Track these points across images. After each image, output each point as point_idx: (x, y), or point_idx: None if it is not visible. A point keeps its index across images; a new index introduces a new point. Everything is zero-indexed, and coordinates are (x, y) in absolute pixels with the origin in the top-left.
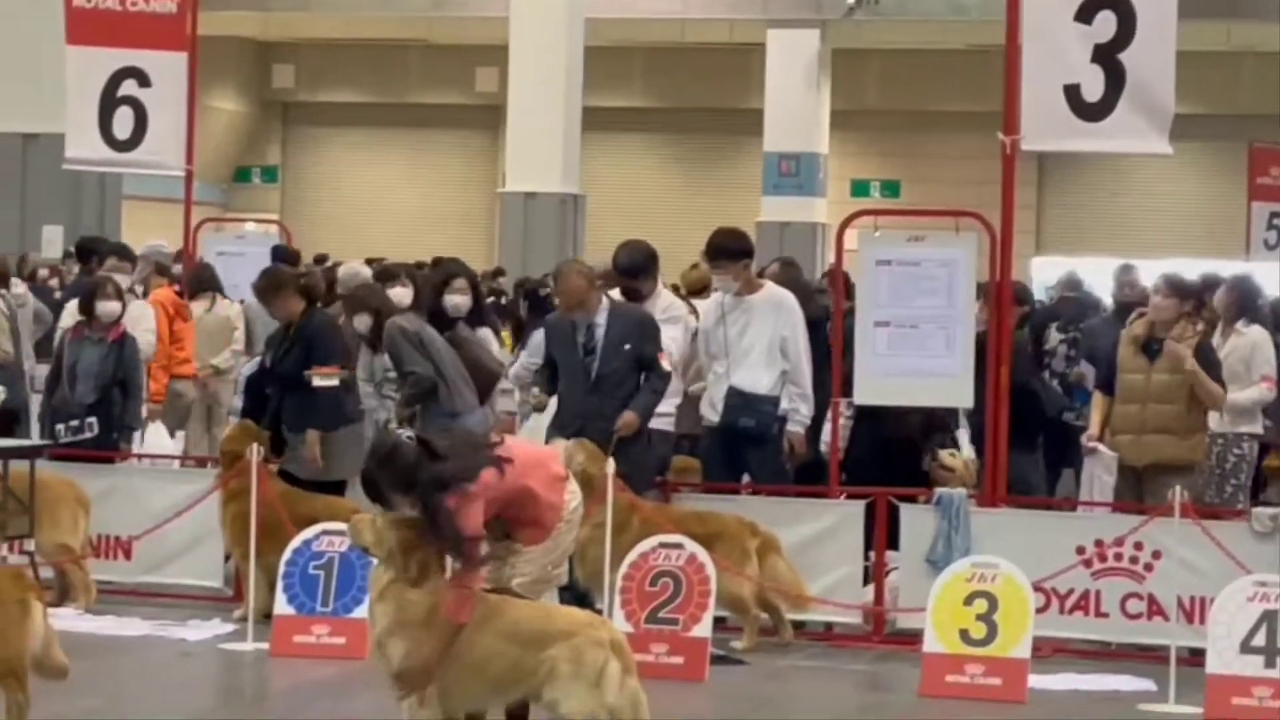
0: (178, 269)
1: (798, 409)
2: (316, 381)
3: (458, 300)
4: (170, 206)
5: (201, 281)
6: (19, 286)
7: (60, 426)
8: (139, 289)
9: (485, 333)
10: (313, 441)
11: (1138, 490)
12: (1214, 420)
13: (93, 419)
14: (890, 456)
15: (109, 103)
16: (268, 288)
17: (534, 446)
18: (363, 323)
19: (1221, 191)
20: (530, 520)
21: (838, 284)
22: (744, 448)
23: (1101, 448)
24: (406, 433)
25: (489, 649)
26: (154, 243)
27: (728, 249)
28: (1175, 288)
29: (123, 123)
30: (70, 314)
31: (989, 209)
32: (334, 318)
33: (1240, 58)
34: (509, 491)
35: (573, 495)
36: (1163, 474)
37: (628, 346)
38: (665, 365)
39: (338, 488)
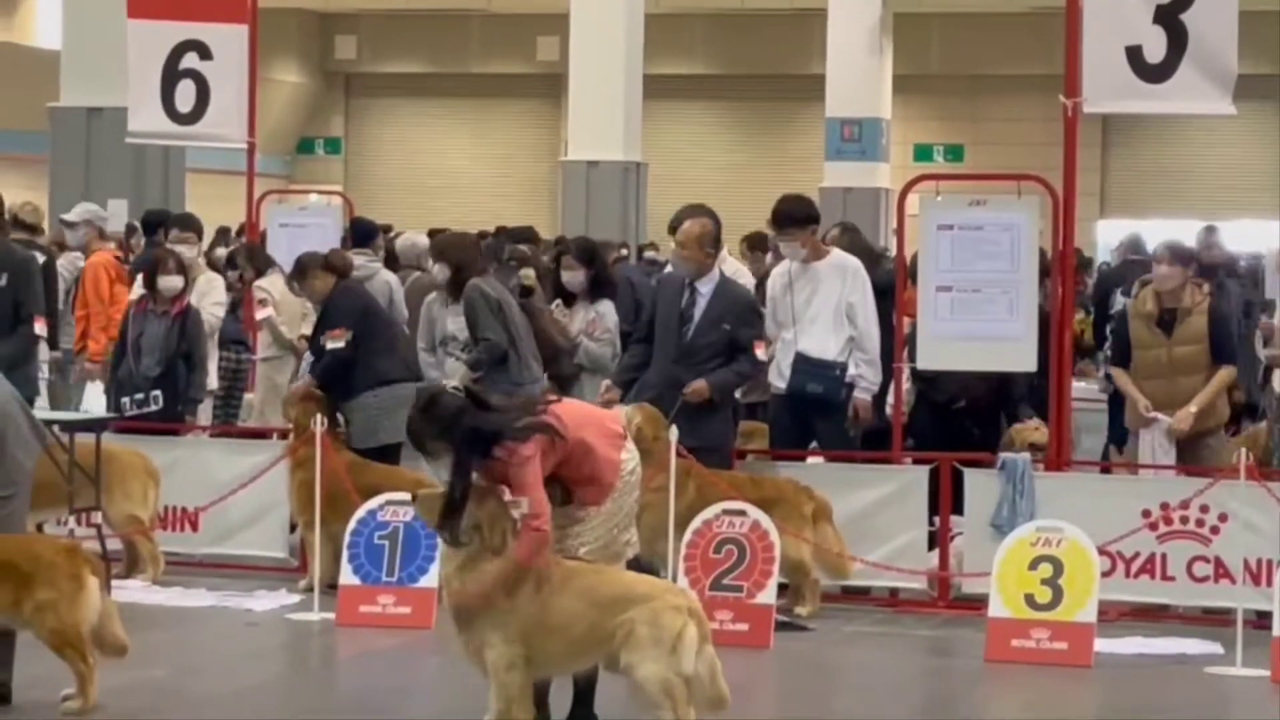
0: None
1: (864, 375)
2: (328, 345)
3: (567, 277)
4: (233, 179)
5: (265, 258)
6: (81, 260)
7: (125, 400)
8: (80, 255)
9: (605, 305)
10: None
11: (1177, 460)
12: (1277, 381)
13: (157, 392)
14: (953, 422)
15: (171, 76)
16: (295, 274)
17: (589, 406)
18: (442, 273)
19: None
20: (588, 477)
21: (900, 249)
22: (811, 413)
23: (1161, 416)
24: (452, 383)
25: (569, 611)
26: (90, 205)
27: (794, 216)
28: (1178, 255)
29: (185, 96)
30: (137, 287)
31: (1053, 172)
32: (352, 286)
33: None
34: (565, 446)
35: (630, 455)
36: (1200, 438)
37: (726, 326)
38: (760, 354)
39: (391, 452)
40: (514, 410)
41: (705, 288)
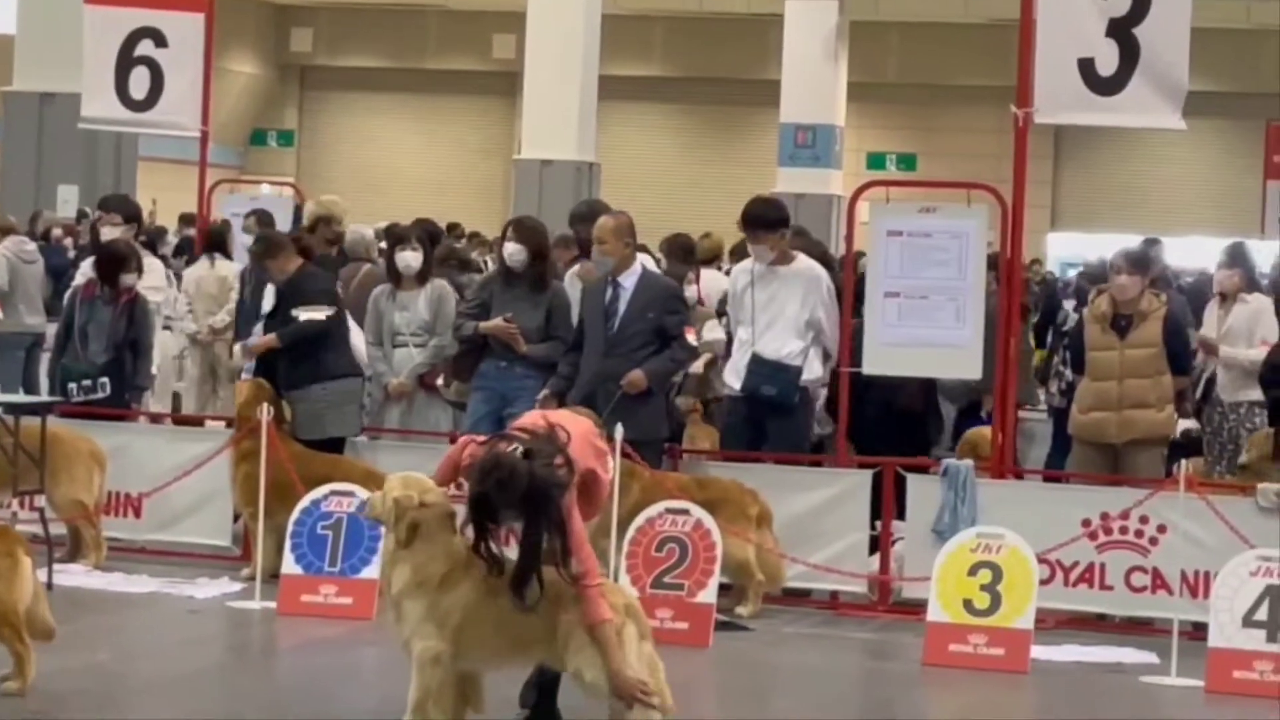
0: None
1: (813, 364)
2: (303, 316)
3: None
4: (186, 168)
5: (211, 241)
6: (29, 244)
7: (72, 385)
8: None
9: None
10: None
11: (1114, 467)
12: (1223, 390)
13: (105, 379)
14: (895, 426)
15: (125, 62)
16: (264, 253)
17: (574, 419)
18: (519, 255)
19: (1239, 169)
20: (587, 500)
21: (849, 256)
22: (764, 415)
23: None
24: (515, 447)
25: (508, 609)
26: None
27: (765, 218)
28: (1136, 264)
29: (139, 83)
30: (84, 273)
31: (1006, 183)
32: (320, 271)
33: (1261, 36)
34: (578, 476)
35: (611, 464)
36: (1140, 447)
37: (650, 315)
38: (691, 339)
39: (335, 446)
40: (549, 453)
41: (628, 281)
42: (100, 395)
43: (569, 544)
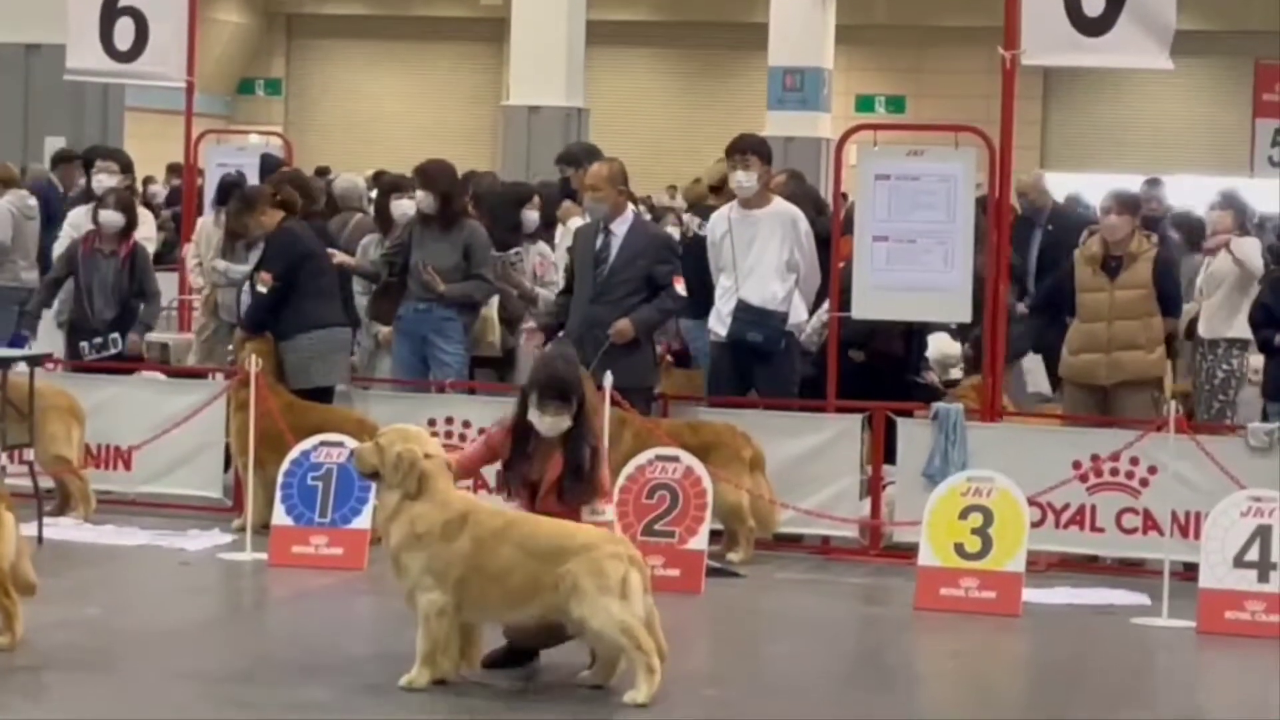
0: None
1: (797, 307)
2: (258, 286)
3: (532, 214)
4: (173, 118)
5: (220, 192)
6: (30, 199)
7: (84, 344)
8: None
9: (544, 247)
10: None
11: (1105, 408)
12: (1203, 328)
13: (115, 334)
14: (878, 372)
15: (109, 13)
16: (243, 208)
17: None
18: (428, 202)
19: (1227, 108)
20: None
21: (836, 198)
22: (751, 361)
23: None
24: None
25: (508, 561)
26: None
27: (758, 145)
28: (1126, 204)
29: (123, 33)
30: (73, 225)
31: (995, 125)
32: (294, 227)
33: None
34: None
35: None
36: (1129, 389)
37: (640, 263)
38: (680, 289)
39: (324, 395)
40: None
41: (619, 228)
42: (112, 351)
43: (598, 458)
